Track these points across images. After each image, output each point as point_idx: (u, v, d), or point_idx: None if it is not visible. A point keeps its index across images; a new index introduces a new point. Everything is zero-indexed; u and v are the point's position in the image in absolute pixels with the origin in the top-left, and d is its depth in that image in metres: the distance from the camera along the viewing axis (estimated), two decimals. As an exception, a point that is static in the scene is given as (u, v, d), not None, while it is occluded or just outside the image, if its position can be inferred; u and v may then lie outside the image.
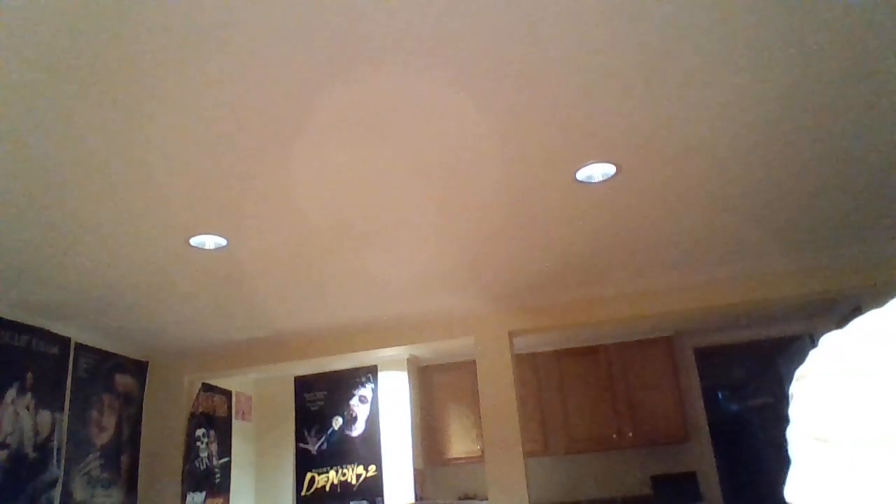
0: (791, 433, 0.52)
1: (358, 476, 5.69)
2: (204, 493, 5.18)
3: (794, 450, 0.52)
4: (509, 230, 3.41)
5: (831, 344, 0.53)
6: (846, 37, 2.08)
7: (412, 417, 5.75)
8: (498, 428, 4.62)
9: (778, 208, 3.39)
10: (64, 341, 4.26)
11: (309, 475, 5.83)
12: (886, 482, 0.44)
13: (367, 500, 5.59)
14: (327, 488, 5.74)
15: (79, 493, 4.25)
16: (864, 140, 2.75)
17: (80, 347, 4.41)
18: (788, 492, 0.50)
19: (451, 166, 2.72)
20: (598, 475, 6.00)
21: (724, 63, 2.17)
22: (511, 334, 4.83)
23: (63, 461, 4.14)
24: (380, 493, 5.58)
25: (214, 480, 5.36)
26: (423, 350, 5.68)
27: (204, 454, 5.26)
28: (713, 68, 2.20)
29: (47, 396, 4.06)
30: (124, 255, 3.28)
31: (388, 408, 5.79)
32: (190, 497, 4.98)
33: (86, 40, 1.83)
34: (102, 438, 4.54)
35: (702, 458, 5.86)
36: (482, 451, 5.03)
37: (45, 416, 4.03)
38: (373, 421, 5.78)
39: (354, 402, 5.89)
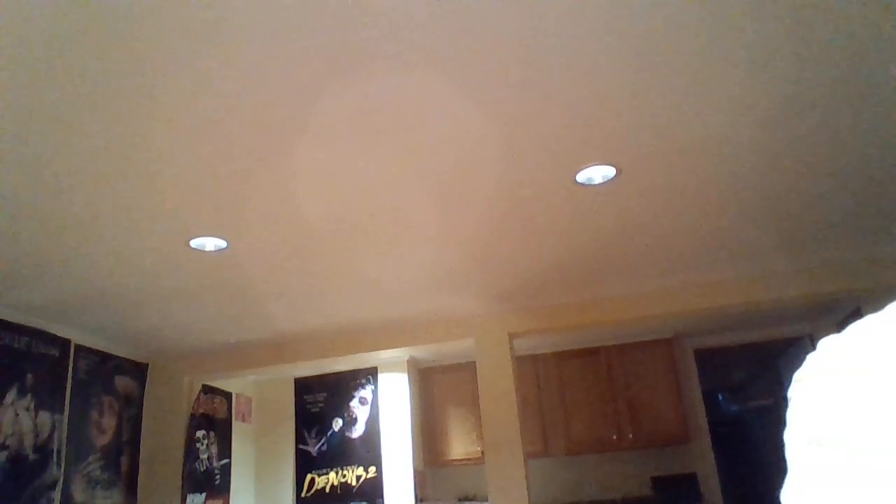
0: (788, 436, 0.52)
1: (358, 477, 5.68)
2: (204, 495, 5.18)
3: (790, 453, 0.52)
4: (509, 232, 3.41)
5: (828, 346, 0.53)
6: (847, 37, 2.08)
7: (412, 419, 5.75)
8: (498, 429, 4.62)
9: (778, 209, 3.39)
10: (64, 343, 4.26)
11: (309, 476, 5.83)
12: (881, 487, 0.44)
13: (367, 501, 5.59)
14: (327, 490, 5.73)
15: (79, 494, 4.25)
16: (864, 140, 2.76)
17: (80, 349, 4.41)
18: (784, 495, 0.51)
19: (451, 168, 2.72)
20: (598, 476, 6.00)
21: (724, 65, 2.17)
22: (511, 336, 4.83)
23: (63, 462, 4.14)
24: (380, 494, 5.58)
25: (214, 482, 5.36)
26: (423, 351, 5.68)
27: (204, 456, 5.26)
28: (713, 70, 2.20)
29: (47, 398, 4.06)
30: (124, 256, 3.29)
31: (388, 409, 5.79)
32: (190, 498, 4.98)
33: (85, 42, 1.83)
34: (102, 440, 4.54)
35: (702, 460, 5.86)
36: (482, 453, 5.03)
37: (45, 417, 4.03)
38: (373, 422, 5.78)
39: (354, 403, 5.88)
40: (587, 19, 1.91)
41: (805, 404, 0.52)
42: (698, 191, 3.10)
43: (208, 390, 5.45)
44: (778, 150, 2.78)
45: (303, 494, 5.80)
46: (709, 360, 6.30)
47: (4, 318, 3.83)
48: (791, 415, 0.53)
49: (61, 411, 4.18)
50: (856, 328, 0.52)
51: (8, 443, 3.73)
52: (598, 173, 2.85)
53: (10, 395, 3.79)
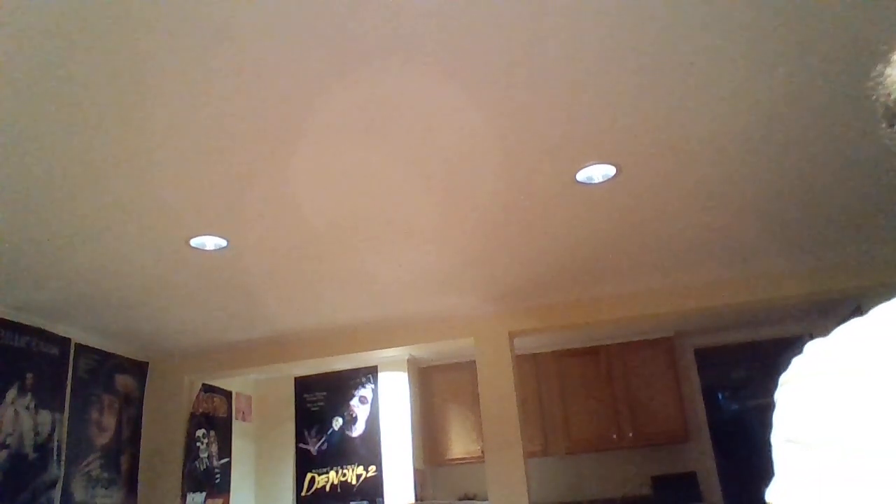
0: (775, 438, 0.53)
1: (358, 476, 5.68)
2: (204, 494, 5.18)
3: (777, 455, 0.52)
4: (509, 231, 3.41)
5: (815, 349, 0.53)
6: (847, 36, 2.08)
7: (412, 418, 5.75)
8: (498, 428, 4.62)
9: (778, 208, 3.39)
10: (64, 342, 4.26)
11: (309, 475, 5.83)
12: (875, 488, 0.44)
13: (367, 500, 5.59)
14: (327, 489, 5.74)
15: (79, 493, 4.25)
16: (864, 140, 2.75)
17: (81, 348, 4.41)
18: (771, 496, 0.51)
19: (452, 167, 2.72)
20: (598, 475, 6.00)
21: (724, 64, 2.17)
22: (511, 335, 4.83)
23: (63, 461, 4.14)
24: (380, 493, 5.58)
25: (214, 481, 5.36)
26: (423, 350, 5.68)
27: (204, 455, 5.26)
28: (713, 69, 2.20)
29: (47, 397, 4.06)
30: (124, 255, 3.28)
31: (388, 408, 5.79)
32: (190, 497, 4.98)
33: (86, 42, 1.83)
34: (102, 439, 4.54)
35: (702, 459, 5.87)
36: (482, 452, 5.03)
37: (45, 416, 4.03)
38: (373, 421, 5.78)
39: (354, 402, 5.89)
40: (587, 19, 1.91)
41: (793, 406, 0.52)
42: (698, 190, 3.10)
43: (208, 389, 5.45)
44: (777, 149, 2.77)
45: (303, 493, 5.80)
46: (709, 358, 6.30)
47: (4, 318, 3.83)
48: (778, 417, 0.53)
49: (61, 410, 4.18)
50: (842, 331, 0.52)
51: (8, 442, 3.73)
52: (597, 172, 2.85)
53: (11, 394, 3.79)
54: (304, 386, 6.06)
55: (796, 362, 0.54)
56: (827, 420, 0.48)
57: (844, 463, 0.46)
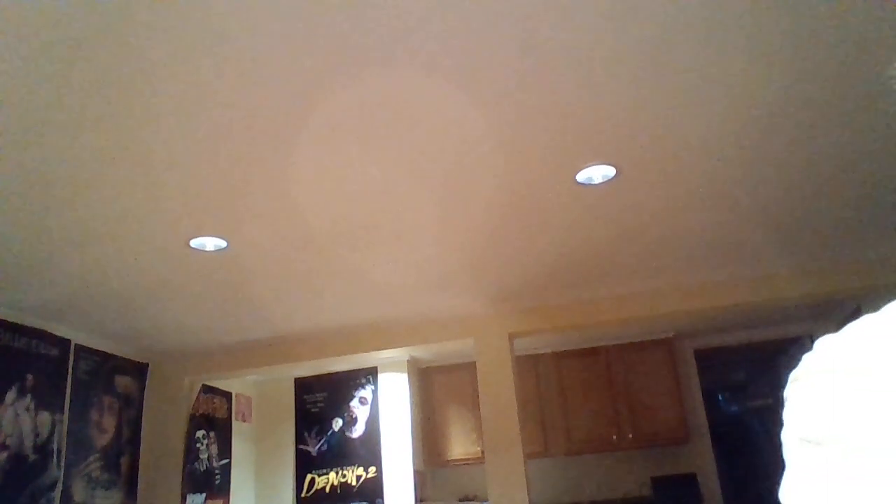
0: (785, 435, 0.53)
1: (358, 477, 5.68)
2: (204, 495, 5.18)
3: (787, 452, 0.52)
4: (509, 232, 3.41)
5: (825, 346, 0.53)
6: (847, 36, 2.08)
7: (412, 419, 5.75)
8: (498, 429, 4.62)
9: (778, 209, 3.39)
10: (64, 343, 4.26)
11: (309, 477, 5.82)
12: (875, 487, 0.44)
13: (367, 501, 5.59)
14: (327, 490, 5.73)
15: (79, 494, 4.25)
16: (864, 140, 2.76)
17: (81, 349, 4.41)
18: (782, 494, 0.51)
19: (452, 168, 2.72)
20: (598, 477, 6.00)
21: (723, 64, 2.17)
22: (511, 336, 4.83)
23: (63, 463, 4.13)
24: (380, 494, 5.58)
25: (214, 482, 5.36)
26: (423, 351, 5.68)
27: (204, 456, 5.26)
28: (713, 69, 2.20)
29: (47, 398, 4.06)
30: (124, 256, 3.28)
31: (388, 409, 5.79)
32: (190, 498, 4.98)
33: (86, 42, 1.83)
34: (102, 440, 4.54)
35: (702, 460, 5.86)
36: (482, 453, 5.03)
37: (45, 417, 4.02)
38: (373, 422, 5.78)
39: (354, 403, 5.88)
40: (587, 19, 1.91)
41: (803, 403, 0.52)
42: (698, 191, 3.10)
43: (208, 390, 5.45)
44: (777, 149, 2.78)
45: (303, 494, 5.80)
46: (709, 360, 6.30)
47: (4, 318, 3.82)
48: (788, 414, 0.53)
49: (61, 411, 4.17)
50: (853, 328, 0.52)
51: (8, 443, 3.73)
52: (598, 173, 2.85)
53: (11, 395, 3.79)
54: (304, 387, 6.06)
55: (807, 359, 0.54)
56: (833, 418, 0.48)
57: (846, 462, 0.46)
